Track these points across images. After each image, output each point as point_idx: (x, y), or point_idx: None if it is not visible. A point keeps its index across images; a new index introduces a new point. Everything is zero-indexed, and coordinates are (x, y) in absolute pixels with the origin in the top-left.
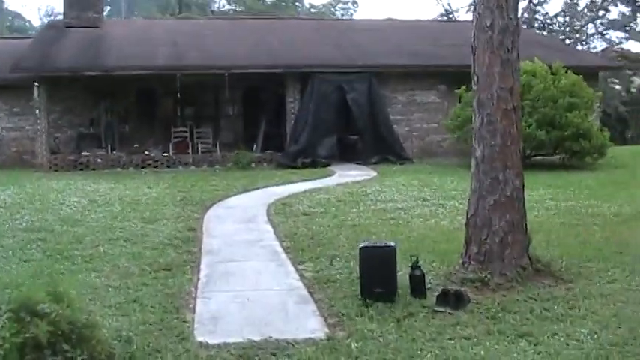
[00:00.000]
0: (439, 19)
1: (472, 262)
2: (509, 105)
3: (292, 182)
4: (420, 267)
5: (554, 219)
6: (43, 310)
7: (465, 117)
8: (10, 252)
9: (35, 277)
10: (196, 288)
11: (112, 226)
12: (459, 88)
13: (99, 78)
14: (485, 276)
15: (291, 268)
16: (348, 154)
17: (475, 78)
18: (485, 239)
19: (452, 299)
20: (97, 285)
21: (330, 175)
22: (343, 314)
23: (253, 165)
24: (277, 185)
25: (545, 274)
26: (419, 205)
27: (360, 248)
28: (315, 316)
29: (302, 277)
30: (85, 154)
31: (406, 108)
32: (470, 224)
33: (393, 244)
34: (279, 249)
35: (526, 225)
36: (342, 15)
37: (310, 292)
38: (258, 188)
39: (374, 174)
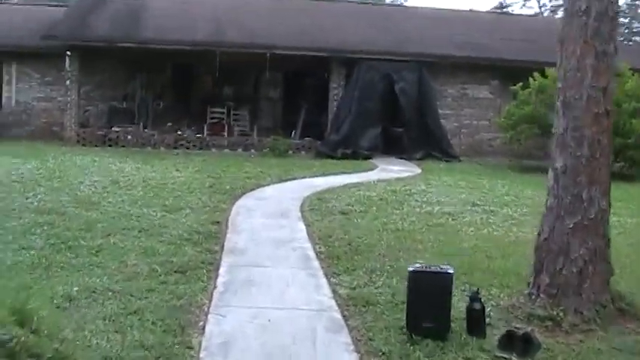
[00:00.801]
0: (493, 11)
1: (541, 295)
2: (600, 108)
3: (331, 174)
4: (480, 299)
5: (621, 239)
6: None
7: (520, 116)
8: (11, 237)
9: (30, 270)
10: (210, 300)
11: (129, 213)
12: (514, 85)
13: (135, 51)
14: (558, 314)
15: (324, 281)
16: (391, 147)
17: (561, 73)
18: (561, 269)
19: (519, 344)
20: (97, 287)
21: (371, 169)
22: (383, 353)
23: (291, 152)
24: (314, 176)
25: (629, 315)
26: (468, 210)
27: (410, 272)
28: (348, 351)
29: (335, 293)
30: (115, 129)
31: (456, 102)
32: (541, 248)
33: (450, 269)
34: (312, 254)
35: (609, 254)
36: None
37: (345, 316)
38: (294, 178)
39: (418, 171)
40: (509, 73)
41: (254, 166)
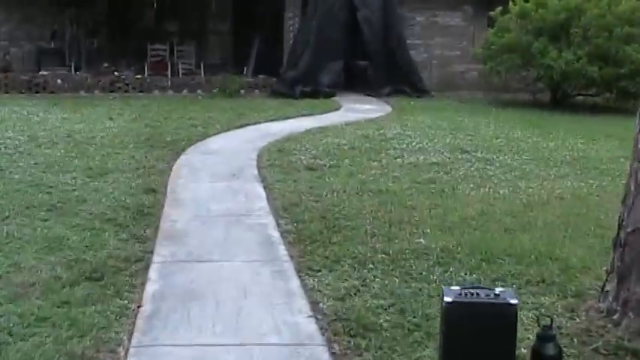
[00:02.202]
0: None
1: (630, 314)
2: None
3: (290, 117)
4: (554, 337)
5: None
6: None
7: (500, 45)
8: None
9: None
10: (130, 336)
11: (41, 182)
12: (491, 10)
13: None
14: None
15: (296, 284)
16: (355, 83)
17: None
18: None
19: None
20: None
21: (336, 109)
22: None
23: (243, 92)
24: (271, 121)
25: None
26: (458, 159)
27: (447, 305)
28: None
29: (316, 309)
30: (42, 73)
31: (425, 31)
32: (629, 245)
33: (513, 299)
34: (276, 234)
35: None
36: None
37: (334, 356)
38: (247, 124)
39: (389, 109)
40: None
41: (201, 110)
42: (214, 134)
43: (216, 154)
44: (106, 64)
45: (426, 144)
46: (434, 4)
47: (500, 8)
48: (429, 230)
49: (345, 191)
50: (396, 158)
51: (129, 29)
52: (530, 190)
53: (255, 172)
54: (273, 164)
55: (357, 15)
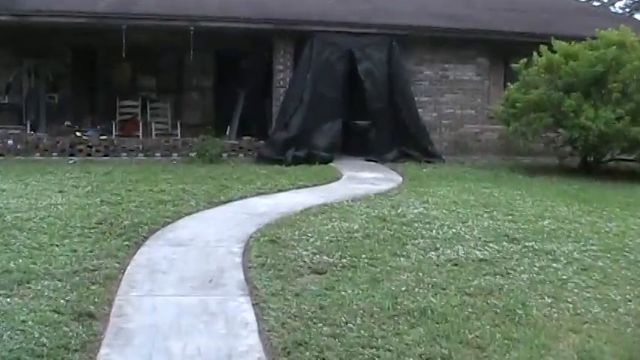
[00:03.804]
0: None
1: None
2: None
3: (282, 190)
4: None
5: None
6: None
7: (527, 102)
8: None
9: None
10: None
11: None
12: (510, 63)
13: (18, 27)
14: None
15: None
16: (355, 146)
17: None
18: None
19: None
20: None
21: (337, 178)
22: None
23: (225, 156)
24: (260, 194)
25: None
26: (510, 252)
27: None
28: None
29: None
30: None
31: (435, 86)
32: None
33: None
34: None
35: None
36: None
37: None
38: (229, 200)
39: (398, 178)
40: (499, 48)
41: (175, 180)
42: (188, 214)
43: (189, 245)
44: (67, 123)
45: (460, 229)
46: (444, 55)
47: (524, 60)
48: None
49: (372, 315)
50: (427, 252)
51: (97, 83)
52: (630, 304)
53: (241, 276)
54: (265, 264)
55: (358, 68)
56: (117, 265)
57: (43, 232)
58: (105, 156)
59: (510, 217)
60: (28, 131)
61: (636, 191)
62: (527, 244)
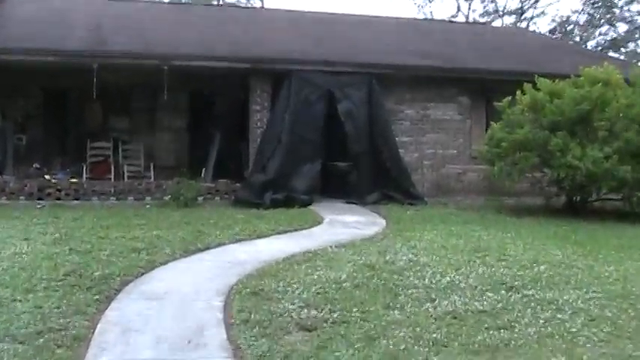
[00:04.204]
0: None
1: None
2: None
3: (262, 235)
4: None
5: None
6: None
7: (512, 142)
8: None
9: None
10: None
11: None
12: (489, 102)
13: None
14: None
15: None
16: (334, 188)
17: None
18: None
19: None
20: None
21: (318, 223)
22: None
23: (201, 199)
24: (238, 241)
25: None
26: (510, 302)
27: None
28: None
29: None
30: None
31: (416, 126)
32: None
33: None
34: None
35: None
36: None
37: None
38: (207, 248)
39: (382, 222)
40: (480, 87)
41: (148, 226)
42: (163, 263)
43: (164, 299)
44: (36, 165)
45: (454, 277)
46: (425, 94)
47: (508, 98)
48: None
49: None
50: (423, 304)
51: (66, 123)
52: None
53: (223, 334)
54: (249, 320)
55: (338, 108)
56: (86, 323)
57: (4, 285)
58: (75, 200)
59: (504, 263)
60: None
61: (627, 232)
62: (526, 292)
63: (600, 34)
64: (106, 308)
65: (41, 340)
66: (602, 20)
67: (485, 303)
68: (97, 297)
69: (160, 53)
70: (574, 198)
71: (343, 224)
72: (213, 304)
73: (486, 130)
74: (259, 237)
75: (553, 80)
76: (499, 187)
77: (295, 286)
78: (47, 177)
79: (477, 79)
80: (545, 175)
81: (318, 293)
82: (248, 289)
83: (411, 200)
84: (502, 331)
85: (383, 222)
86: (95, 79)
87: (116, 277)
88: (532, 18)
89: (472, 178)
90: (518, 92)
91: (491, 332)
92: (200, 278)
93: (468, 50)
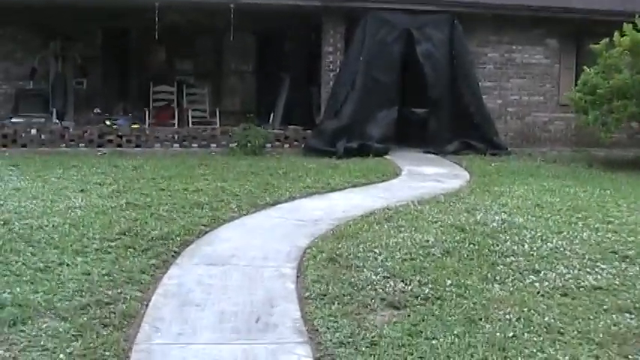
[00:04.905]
0: None
1: None
2: None
3: (336, 189)
4: None
5: None
6: None
7: (609, 88)
8: None
9: None
10: None
11: None
12: (580, 45)
13: (45, 8)
14: None
15: None
16: (411, 137)
17: None
18: None
19: None
20: None
21: (395, 174)
22: None
23: (269, 147)
24: (310, 195)
25: None
26: (629, 276)
27: None
28: None
29: None
30: (14, 120)
31: (500, 71)
32: None
33: None
34: None
35: None
36: None
37: None
38: (277, 202)
39: (465, 174)
40: (571, 28)
41: (213, 176)
42: (228, 220)
43: (228, 265)
44: (97, 110)
45: (557, 242)
46: (510, 36)
47: (606, 40)
48: None
49: None
50: (525, 276)
51: (128, 67)
52: None
53: (296, 311)
54: (327, 294)
55: (417, 50)
56: (139, 294)
57: (53, 245)
58: (137, 147)
59: (610, 226)
60: (54, 120)
61: None
62: None
63: None
64: (163, 275)
65: (85, 317)
66: None
67: (598, 277)
68: (153, 261)
69: None
70: None
71: (423, 176)
72: (284, 271)
73: (576, 75)
74: (333, 190)
75: None
76: (588, 138)
77: (377, 251)
78: (108, 123)
79: (567, 19)
80: None
81: (403, 260)
82: (323, 254)
83: (493, 150)
84: (626, 315)
85: (466, 174)
86: (157, 19)
87: (176, 237)
88: None
89: (559, 127)
90: (617, 34)
91: (613, 316)
92: (269, 239)
93: None
